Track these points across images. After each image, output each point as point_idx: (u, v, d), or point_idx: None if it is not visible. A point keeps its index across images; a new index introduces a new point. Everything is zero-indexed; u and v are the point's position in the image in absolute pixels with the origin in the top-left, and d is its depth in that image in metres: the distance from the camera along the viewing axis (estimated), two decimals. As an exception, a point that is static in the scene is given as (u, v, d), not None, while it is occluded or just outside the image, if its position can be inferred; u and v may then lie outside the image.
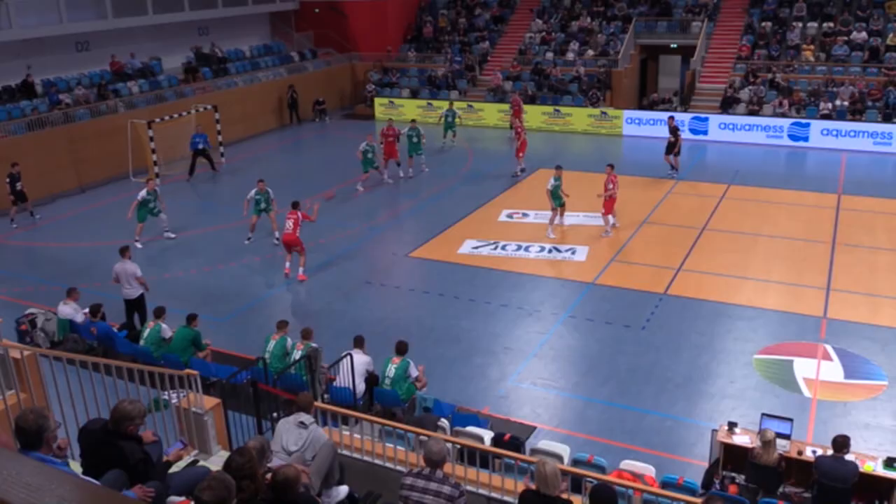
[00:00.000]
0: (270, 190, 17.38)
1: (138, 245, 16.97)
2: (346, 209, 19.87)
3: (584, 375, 11.66)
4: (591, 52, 30.10)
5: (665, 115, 26.69)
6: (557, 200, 17.58)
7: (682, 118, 26.49)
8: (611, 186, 16.95)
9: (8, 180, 18.74)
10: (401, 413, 9.99)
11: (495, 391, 11.26)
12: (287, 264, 15.46)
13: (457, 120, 26.04)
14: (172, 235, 17.83)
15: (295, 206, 15.43)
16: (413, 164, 22.75)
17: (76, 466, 5.63)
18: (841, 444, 7.84)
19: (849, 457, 7.93)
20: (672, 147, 21.54)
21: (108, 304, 13.35)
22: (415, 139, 22.33)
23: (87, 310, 12.89)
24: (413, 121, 23.71)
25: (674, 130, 21.55)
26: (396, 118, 28.39)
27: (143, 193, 16.99)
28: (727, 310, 13.61)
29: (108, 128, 22.90)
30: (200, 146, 22.79)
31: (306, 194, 21.00)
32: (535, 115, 28.47)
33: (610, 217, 17.34)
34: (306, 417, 7.03)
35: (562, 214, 17.96)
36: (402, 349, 10.33)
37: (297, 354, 10.63)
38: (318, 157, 25.59)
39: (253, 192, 17.26)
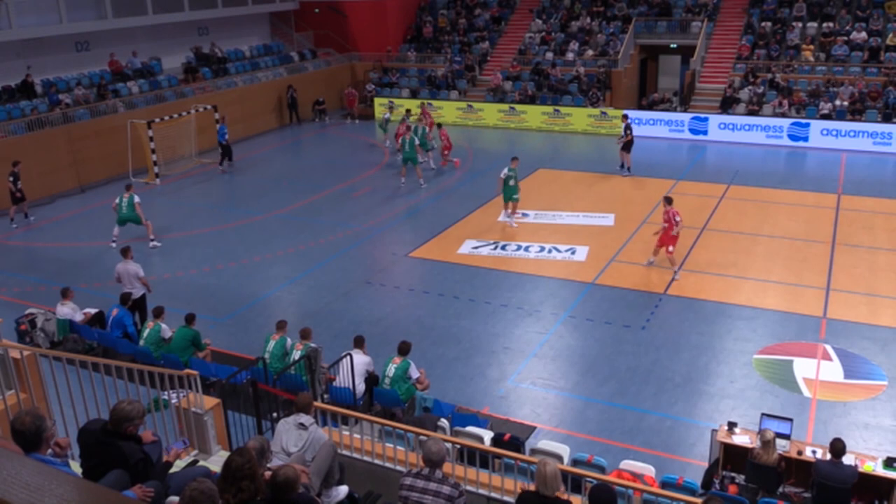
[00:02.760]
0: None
1: (158, 244, 17.29)
2: (347, 209, 19.87)
3: (583, 375, 11.66)
4: (590, 52, 30.11)
5: (666, 117, 26.81)
6: (509, 192, 17.64)
7: (682, 118, 26.54)
8: (678, 220, 14.60)
9: (11, 179, 18.75)
10: (401, 413, 9.99)
11: (495, 391, 11.26)
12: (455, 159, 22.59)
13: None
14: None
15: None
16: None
17: (76, 467, 5.63)
18: (839, 449, 7.83)
19: (848, 458, 7.93)
20: (629, 145, 21.95)
21: (108, 304, 13.37)
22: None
23: (86, 309, 12.92)
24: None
25: (627, 128, 21.89)
26: (395, 118, 28.38)
27: (137, 198, 17.12)
28: (727, 310, 13.62)
29: (107, 128, 22.92)
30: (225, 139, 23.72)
31: (307, 194, 21.04)
32: (535, 115, 28.50)
33: (658, 254, 15.11)
34: (306, 418, 7.02)
35: (513, 211, 17.98)
36: (404, 350, 10.32)
37: (296, 355, 10.63)
38: (318, 157, 25.59)
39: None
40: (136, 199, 17.04)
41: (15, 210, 19.14)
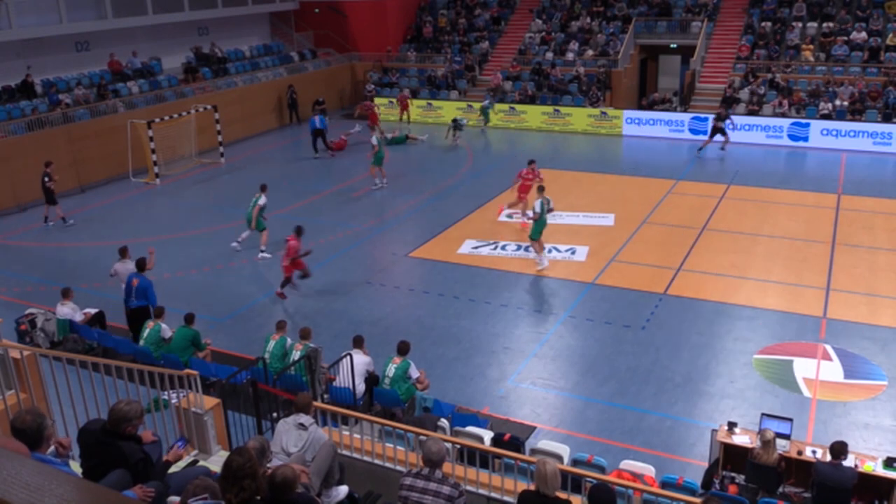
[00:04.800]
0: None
1: (268, 255, 16.45)
2: (347, 209, 19.87)
3: (583, 375, 11.66)
4: (590, 52, 30.11)
5: (666, 117, 26.84)
6: (539, 228, 15.24)
7: (682, 118, 26.54)
8: None
9: (46, 178, 18.70)
10: (401, 413, 10.00)
11: (495, 391, 11.26)
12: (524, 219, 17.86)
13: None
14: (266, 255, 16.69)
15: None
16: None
17: (76, 467, 5.64)
18: (839, 450, 7.83)
19: (848, 458, 7.92)
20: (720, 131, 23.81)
21: (107, 304, 13.38)
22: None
23: (87, 309, 12.93)
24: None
25: (724, 116, 23.77)
26: (395, 117, 28.30)
27: (263, 199, 16.33)
28: (727, 310, 13.62)
29: (108, 128, 22.91)
30: (317, 125, 24.87)
31: (307, 194, 21.02)
32: (535, 115, 28.49)
33: None
34: (306, 419, 7.02)
35: (539, 250, 15.53)
36: (403, 349, 10.33)
37: (295, 355, 10.63)
38: (319, 157, 25.57)
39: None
40: (261, 201, 16.18)
41: (50, 209, 19.08)
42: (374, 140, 21.04)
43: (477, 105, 28.62)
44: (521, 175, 17.83)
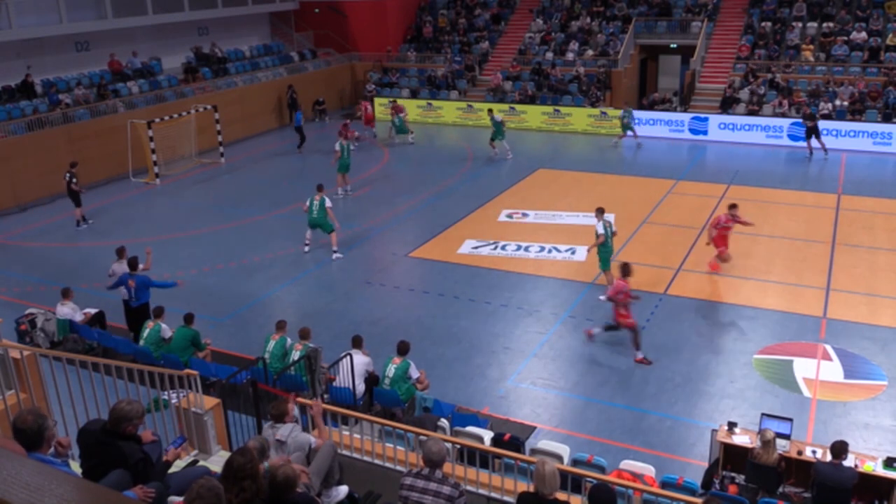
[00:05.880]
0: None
1: (341, 255, 16.52)
2: (347, 209, 19.86)
3: (583, 375, 11.67)
4: (590, 52, 30.11)
5: (666, 117, 26.82)
6: (607, 254, 14.05)
7: (682, 118, 26.53)
8: None
9: (67, 177, 18.62)
10: (401, 413, 10.00)
11: (495, 391, 11.27)
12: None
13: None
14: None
15: None
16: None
17: (76, 467, 5.64)
18: (839, 450, 7.83)
19: (848, 459, 7.92)
20: (814, 131, 23.24)
21: (107, 304, 13.38)
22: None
23: (87, 309, 12.93)
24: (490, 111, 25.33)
25: (811, 116, 23.35)
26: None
27: (329, 201, 16.21)
28: (727, 310, 13.62)
29: (107, 128, 22.92)
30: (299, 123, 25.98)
31: (307, 194, 21.00)
32: (535, 115, 28.49)
33: None
34: (283, 432, 6.92)
35: (610, 283, 13.53)
36: (403, 349, 10.33)
37: (295, 355, 10.63)
38: (318, 157, 25.59)
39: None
40: (328, 202, 16.05)
41: (80, 212, 19.05)
42: (336, 146, 20.33)
43: (615, 113, 26.75)
44: (717, 224, 14.64)
